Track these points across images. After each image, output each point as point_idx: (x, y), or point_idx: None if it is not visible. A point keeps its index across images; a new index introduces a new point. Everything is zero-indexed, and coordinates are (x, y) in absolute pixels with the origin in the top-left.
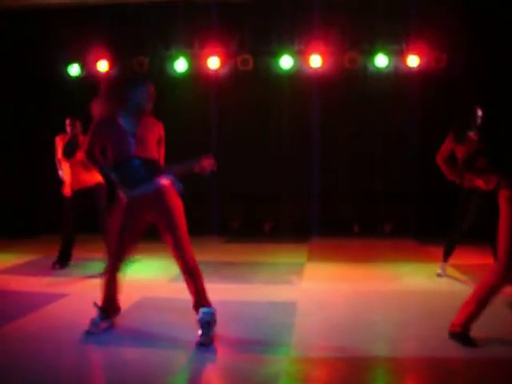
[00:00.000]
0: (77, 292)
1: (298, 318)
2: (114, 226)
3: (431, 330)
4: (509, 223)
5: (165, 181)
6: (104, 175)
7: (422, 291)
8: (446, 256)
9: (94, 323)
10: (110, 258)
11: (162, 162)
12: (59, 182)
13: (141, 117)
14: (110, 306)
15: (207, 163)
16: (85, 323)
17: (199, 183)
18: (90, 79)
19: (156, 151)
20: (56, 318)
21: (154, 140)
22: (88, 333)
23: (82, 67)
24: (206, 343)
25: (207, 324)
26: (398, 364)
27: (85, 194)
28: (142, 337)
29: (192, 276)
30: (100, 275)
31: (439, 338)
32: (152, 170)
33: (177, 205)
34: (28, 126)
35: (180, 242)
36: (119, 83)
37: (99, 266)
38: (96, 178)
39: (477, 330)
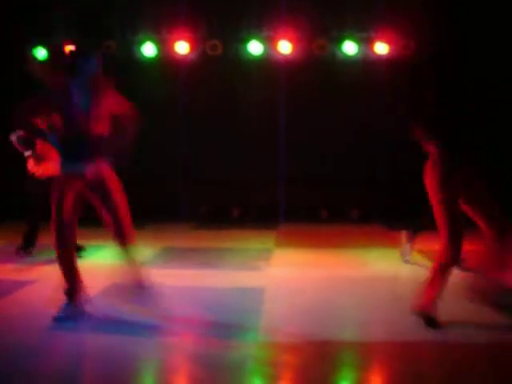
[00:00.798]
0: (43, 278)
1: (266, 303)
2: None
3: (398, 314)
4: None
5: (103, 161)
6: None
7: (389, 276)
8: (411, 241)
9: (62, 310)
10: (57, 244)
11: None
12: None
13: (95, 90)
14: (74, 291)
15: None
16: (52, 310)
17: (167, 169)
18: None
19: (106, 127)
20: (23, 305)
21: (105, 115)
22: (56, 319)
23: (50, 52)
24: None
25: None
26: (366, 348)
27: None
28: (111, 323)
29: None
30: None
31: (406, 322)
32: (95, 148)
33: (113, 184)
34: None
35: (118, 221)
36: (69, 53)
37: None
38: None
39: (442, 315)
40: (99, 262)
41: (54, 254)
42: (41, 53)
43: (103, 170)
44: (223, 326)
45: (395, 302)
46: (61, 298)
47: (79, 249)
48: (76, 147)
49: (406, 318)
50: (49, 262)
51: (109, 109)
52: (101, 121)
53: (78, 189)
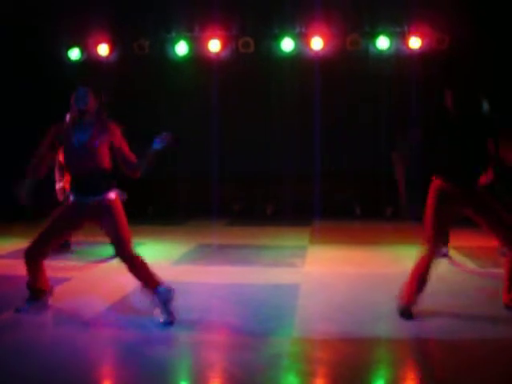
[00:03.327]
0: (79, 276)
1: (301, 300)
2: (55, 213)
3: (432, 310)
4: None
5: (110, 194)
6: None
7: None
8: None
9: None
10: (39, 242)
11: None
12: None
13: (92, 123)
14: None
15: (164, 139)
16: (87, 306)
17: (200, 166)
18: (90, 63)
19: (107, 159)
20: (61, 302)
21: (104, 148)
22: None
23: (83, 51)
24: (167, 322)
25: (164, 302)
26: (400, 345)
27: None
28: (146, 319)
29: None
30: (102, 259)
31: (440, 318)
32: (98, 181)
33: (119, 217)
34: (28, 112)
35: (120, 244)
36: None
37: (99, 250)
38: None
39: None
40: None
41: (87, 253)
42: (74, 54)
43: (105, 201)
44: (258, 323)
45: (429, 298)
46: (94, 295)
47: (66, 243)
48: (77, 180)
49: (440, 315)
50: (84, 259)
51: (108, 145)
52: (99, 155)
53: (84, 216)
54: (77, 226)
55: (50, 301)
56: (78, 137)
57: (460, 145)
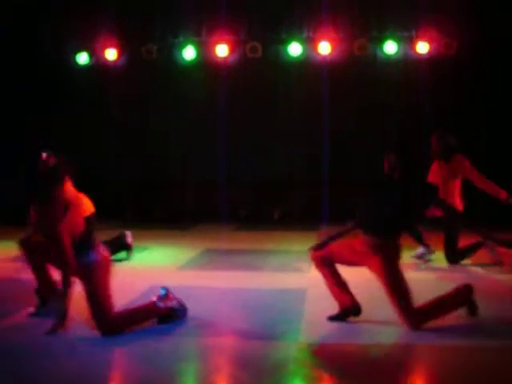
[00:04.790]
0: None
1: (308, 305)
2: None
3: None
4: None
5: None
6: None
7: (432, 278)
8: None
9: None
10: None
11: None
12: None
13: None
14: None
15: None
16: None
17: (207, 171)
18: (98, 68)
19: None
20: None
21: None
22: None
23: (91, 56)
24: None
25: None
26: (407, 350)
27: None
28: (151, 324)
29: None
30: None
31: (446, 324)
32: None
33: (100, 280)
34: (36, 117)
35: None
36: None
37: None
38: None
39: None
40: (140, 263)
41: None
42: (83, 58)
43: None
44: (265, 327)
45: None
46: None
47: None
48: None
49: (445, 321)
50: None
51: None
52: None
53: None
54: None
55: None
56: None
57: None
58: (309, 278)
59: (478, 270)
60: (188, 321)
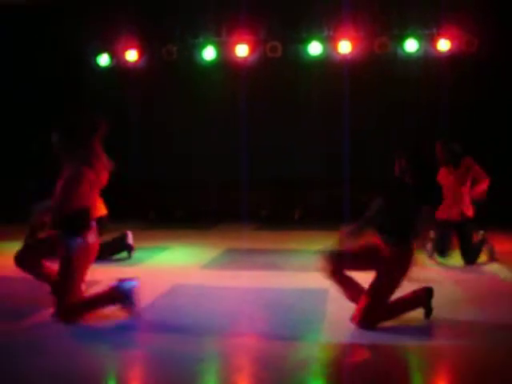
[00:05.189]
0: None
1: (330, 304)
2: None
3: (455, 317)
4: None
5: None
6: None
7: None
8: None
9: None
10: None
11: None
12: None
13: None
14: None
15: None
16: (118, 309)
17: (228, 171)
18: (118, 69)
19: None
20: None
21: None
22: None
23: (112, 57)
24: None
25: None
26: (430, 350)
27: None
28: (174, 323)
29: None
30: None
31: (465, 325)
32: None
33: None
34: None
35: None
36: None
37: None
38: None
39: None
40: (163, 263)
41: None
42: (104, 59)
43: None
44: (286, 327)
45: (464, 303)
46: None
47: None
48: None
49: (464, 322)
50: (112, 263)
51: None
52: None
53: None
54: None
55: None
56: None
57: None
58: None
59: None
60: (210, 320)
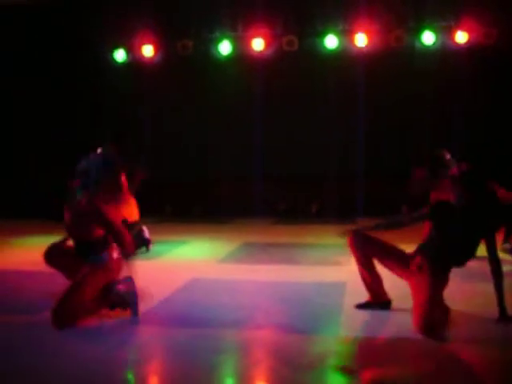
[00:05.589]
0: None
1: (347, 298)
2: None
3: (479, 313)
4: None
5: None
6: None
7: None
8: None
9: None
10: None
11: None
12: None
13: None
14: None
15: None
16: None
17: (244, 165)
18: (135, 64)
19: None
20: None
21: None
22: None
23: (128, 52)
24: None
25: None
26: (449, 346)
27: None
28: (192, 317)
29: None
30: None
31: (479, 322)
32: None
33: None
34: (74, 116)
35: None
36: None
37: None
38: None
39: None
40: (180, 257)
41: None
42: (120, 55)
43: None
44: (304, 321)
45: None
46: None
47: None
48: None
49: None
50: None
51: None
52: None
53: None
54: None
55: None
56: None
57: None
58: (348, 272)
59: None
60: (228, 313)
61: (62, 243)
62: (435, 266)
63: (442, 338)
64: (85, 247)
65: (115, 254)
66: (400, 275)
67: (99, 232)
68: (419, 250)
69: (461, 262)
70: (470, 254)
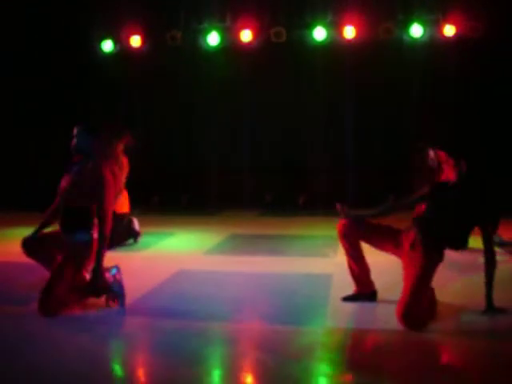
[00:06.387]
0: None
1: (334, 290)
2: None
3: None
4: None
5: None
6: None
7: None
8: None
9: None
10: None
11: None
12: None
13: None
14: None
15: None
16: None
17: (233, 156)
18: (123, 55)
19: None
20: None
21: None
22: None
23: (116, 43)
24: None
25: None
26: (435, 335)
27: None
28: (179, 308)
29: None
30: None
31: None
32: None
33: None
34: (63, 106)
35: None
36: None
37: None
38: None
39: None
40: (167, 248)
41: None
42: (107, 45)
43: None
44: (290, 312)
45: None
46: (127, 284)
47: None
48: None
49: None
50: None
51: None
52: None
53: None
54: None
55: None
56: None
57: None
58: (334, 264)
59: None
60: (214, 305)
61: (36, 234)
62: (428, 241)
63: (422, 329)
64: (73, 215)
65: (95, 235)
66: (393, 253)
67: (90, 202)
68: (413, 224)
69: (453, 243)
70: (463, 236)
